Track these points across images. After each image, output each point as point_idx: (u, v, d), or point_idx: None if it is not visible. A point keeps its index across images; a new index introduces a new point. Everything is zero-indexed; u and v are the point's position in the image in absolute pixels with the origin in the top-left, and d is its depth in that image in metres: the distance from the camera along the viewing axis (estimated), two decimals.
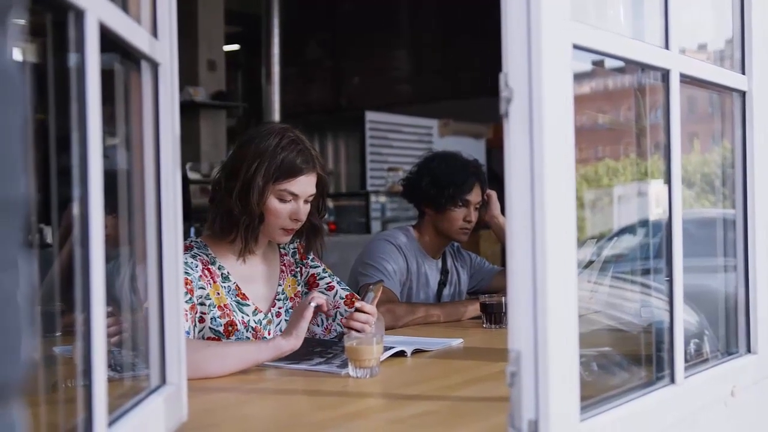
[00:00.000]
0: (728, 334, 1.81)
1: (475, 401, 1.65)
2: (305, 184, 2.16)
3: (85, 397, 0.99)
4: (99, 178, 0.99)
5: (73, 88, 0.98)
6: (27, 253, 0.55)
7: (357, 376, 1.82)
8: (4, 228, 0.52)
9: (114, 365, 1.35)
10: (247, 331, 2.17)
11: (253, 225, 2.14)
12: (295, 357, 2.01)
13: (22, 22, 0.57)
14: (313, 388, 1.76)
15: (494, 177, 4.50)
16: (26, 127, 0.56)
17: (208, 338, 2.11)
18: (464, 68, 9.23)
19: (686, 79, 1.53)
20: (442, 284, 3.07)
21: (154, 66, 1.31)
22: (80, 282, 0.98)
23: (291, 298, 2.32)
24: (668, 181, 1.48)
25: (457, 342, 2.30)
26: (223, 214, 2.16)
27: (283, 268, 2.34)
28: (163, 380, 1.33)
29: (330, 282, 2.36)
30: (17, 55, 0.56)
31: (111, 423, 1.06)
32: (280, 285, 2.31)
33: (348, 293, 2.33)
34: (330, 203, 7.44)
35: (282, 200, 2.15)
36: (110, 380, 1.04)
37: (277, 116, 8.58)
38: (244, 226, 2.14)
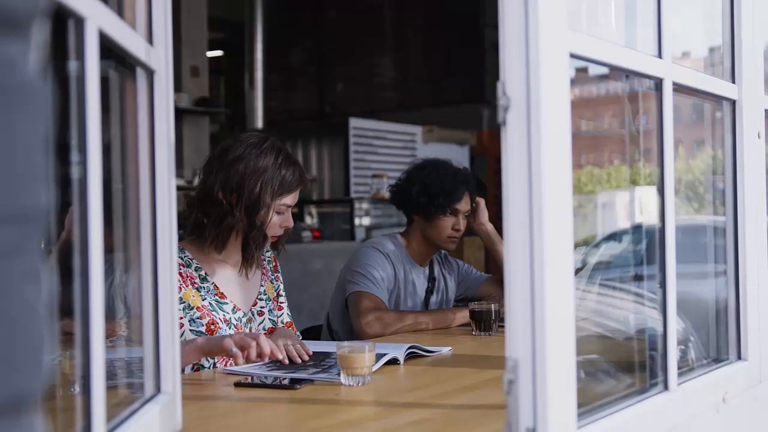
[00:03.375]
0: (719, 341, 1.82)
1: (469, 409, 1.65)
2: (297, 195, 2.30)
3: (84, 406, 0.98)
4: (98, 185, 0.98)
5: (73, 95, 0.97)
6: (47, 263, 0.55)
7: (349, 384, 1.81)
8: (27, 238, 0.52)
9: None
10: (229, 327, 2.23)
11: (259, 241, 2.23)
12: (290, 368, 2.00)
13: (45, 32, 0.57)
14: (306, 397, 1.75)
15: (479, 184, 4.50)
16: (48, 138, 0.56)
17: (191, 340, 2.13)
18: (448, 75, 9.26)
19: (678, 88, 1.54)
20: (429, 292, 3.07)
21: (150, 73, 1.31)
22: (79, 291, 0.97)
23: (273, 299, 2.41)
24: (661, 188, 1.49)
25: (446, 350, 2.30)
26: (225, 231, 2.21)
27: (264, 270, 2.42)
28: (157, 389, 1.33)
29: (283, 302, 2.47)
30: (40, 65, 0.56)
31: None
32: (263, 285, 2.38)
33: (288, 320, 2.41)
34: (314, 210, 7.44)
35: (279, 213, 2.25)
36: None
37: (260, 123, 8.57)
38: (255, 243, 2.22)
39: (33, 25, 0.54)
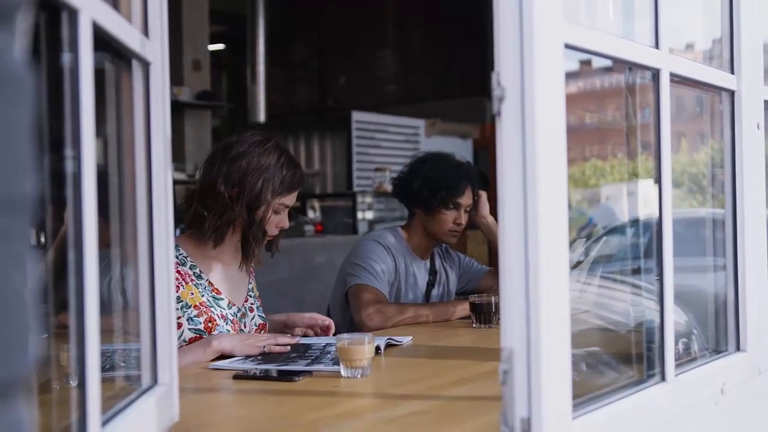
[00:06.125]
0: (717, 332, 1.82)
1: (466, 400, 1.65)
2: (295, 197, 2.32)
3: (79, 397, 0.98)
4: (92, 179, 0.99)
5: (66, 87, 0.97)
6: (34, 250, 0.56)
7: (348, 376, 1.82)
8: (14, 226, 0.52)
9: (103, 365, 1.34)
10: (226, 323, 2.25)
11: (258, 236, 2.25)
12: (281, 361, 2.00)
13: (29, 22, 0.57)
14: (304, 388, 1.75)
15: (481, 177, 4.50)
16: (34, 127, 0.56)
17: (190, 339, 2.14)
18: (451, 68, 9.25)
19: (676, 79, 1.54)
20: (430, 285, 3.07)
21: (146, 65, 1.31)
22: (74, 284, 0.97)
23: (258, 297, 2.44)
24: (658, 180, 1.49)
25: (407, 339, 2.32)
26: (225, 225, 2.22)
27: (251, 269, 2.44)
28: (154, 380, 1.33)
29: (258, 303, 2.46)
30: (24, 55, 0.56)
31: (104, 423, 1.06)
32: (250, 283, 2.42)
33: (261, 322, 2.41)
34: (316, 204, 7.44)
35: (276, 212, 2.27)
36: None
37: (262, 117, 8.57)
38: (254, 238, 2.25)
39: (18, 14, 0.54)
